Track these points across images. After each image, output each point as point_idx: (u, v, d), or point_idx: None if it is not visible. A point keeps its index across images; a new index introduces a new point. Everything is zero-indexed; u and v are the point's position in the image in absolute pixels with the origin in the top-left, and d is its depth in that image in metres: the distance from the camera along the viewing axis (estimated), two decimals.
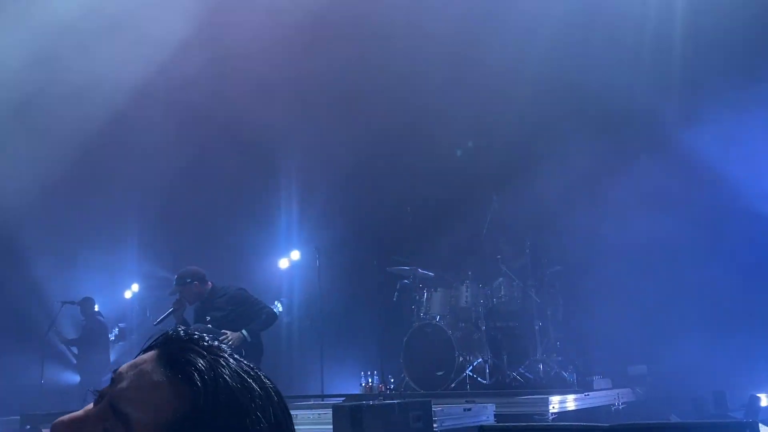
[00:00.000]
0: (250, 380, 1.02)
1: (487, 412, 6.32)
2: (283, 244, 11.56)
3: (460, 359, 7.97)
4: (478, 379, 7.97)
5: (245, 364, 1.05)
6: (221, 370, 1.00)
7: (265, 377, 1.06)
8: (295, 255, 11.46)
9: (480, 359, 8.08)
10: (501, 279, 8.53)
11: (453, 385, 7.85)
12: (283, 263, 11.53)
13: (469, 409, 6.21)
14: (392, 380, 8.64)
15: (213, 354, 1.02)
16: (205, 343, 1.03)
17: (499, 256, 8.62)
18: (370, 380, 8.58)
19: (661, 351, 7.68)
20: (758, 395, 5.26)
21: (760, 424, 3.05)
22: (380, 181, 9.99)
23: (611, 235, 8.15)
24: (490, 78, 8.71)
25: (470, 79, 9.02)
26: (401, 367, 8.39)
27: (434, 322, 8.29)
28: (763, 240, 7.53)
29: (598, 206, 8.28)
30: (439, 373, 7.99)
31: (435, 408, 5.85)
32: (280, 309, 10.60)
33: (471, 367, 7.99)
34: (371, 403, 6.00)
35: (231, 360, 1.03)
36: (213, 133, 10.41)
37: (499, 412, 6.43)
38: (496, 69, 8.69)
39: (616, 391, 7.64)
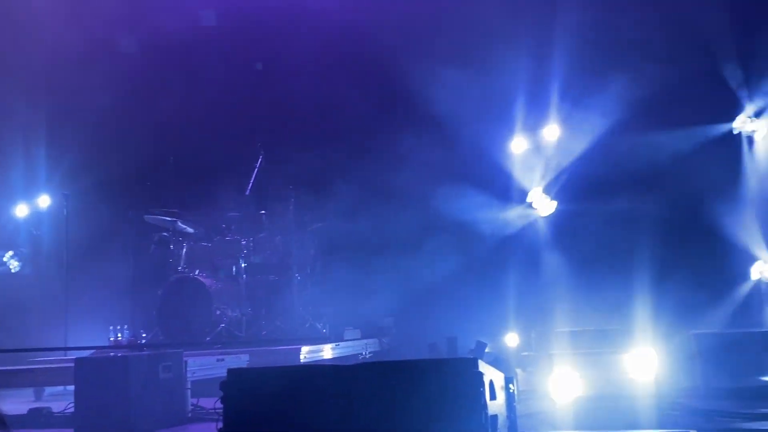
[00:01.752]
0: None
1: (240, 363, 6.39)
2: (24, 189, 10.49)
3: (217, 312, 7.94)
4: (234, 332, 8.01)
5: None
6: None
7: None
8: (44, 201, 10.48)
9: (237, 312, 8.12)
10: (264, 233, 8.60)
11: (208, 339, 7.81)
12: (21, 210, 10.46)
13: (222, 360, 6.23)
14: (144, 334, 8.36)
15: None
16: None
17: (263, 211, 8.68)
18: (119, 334, 8.22)
19: (406, 305, 8.29)
20: (483, 341, 5.92)
21: (479, 360, 3.45)
22: (140, 128, 9.47)
23: (370, 193, 8.58)
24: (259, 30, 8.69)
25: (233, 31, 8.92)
26: (154, 321, 8.16)
27: (192, 275, 8.15)
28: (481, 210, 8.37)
29: (359, 165, 8.65)
30: (195, 327, 7.91)
31: (187, 359, 5.79)
32: (13, 264, 9.73)
33: (227, 320, 8.01)
34: (118, 354, 5.79)
35: None
36: None
37: (253, 363, 6.52)
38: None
39: (365, 341, 8.13)
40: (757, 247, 7.36)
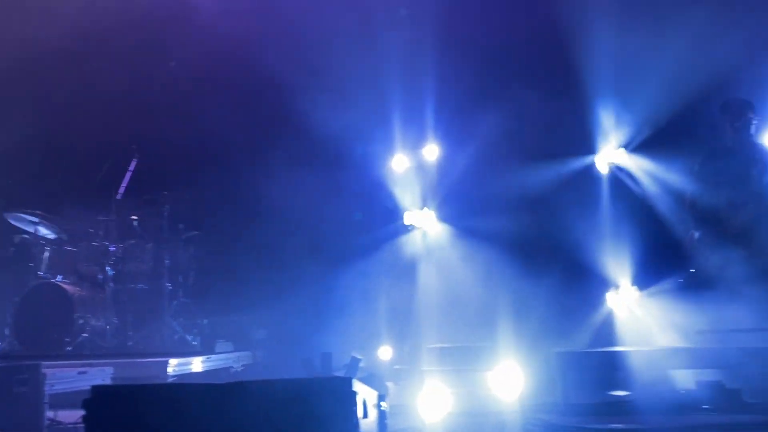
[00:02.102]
0: None
1: (104, 375, 6.10)
2: None
3: (80, 321, 7.55)
4: (98, 342, 7.63)
5: None
6: None
7: None
8: None
9: (102, 321, 7.75)
10: (134, 240, 8.27)
11: (70, 348, 7.40)
12: None
13: (85, 372, 5.92)
14: None
15: None
16: None
17: (134, 217, 8.35)
18: None
19: (281, 317, 8.22)
20: (358, 356, 5.97)
21: (354, 379, 3.48)
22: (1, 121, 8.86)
23: (246, 204, 8.46)
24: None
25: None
26: (9, 329, 7.63)
27: (53, 280, 7.70)
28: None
29: (236, 176, 8.52)
30: (54, 336, 7.47)
31: (45, 371, 5.45)
32: None
33: (90, 330, 7.62)
34: None
35: None
36: None
37: (117, 376, 6.24)
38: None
39: (237, 354, 7.98)
40: (614, 275, 7.89)
